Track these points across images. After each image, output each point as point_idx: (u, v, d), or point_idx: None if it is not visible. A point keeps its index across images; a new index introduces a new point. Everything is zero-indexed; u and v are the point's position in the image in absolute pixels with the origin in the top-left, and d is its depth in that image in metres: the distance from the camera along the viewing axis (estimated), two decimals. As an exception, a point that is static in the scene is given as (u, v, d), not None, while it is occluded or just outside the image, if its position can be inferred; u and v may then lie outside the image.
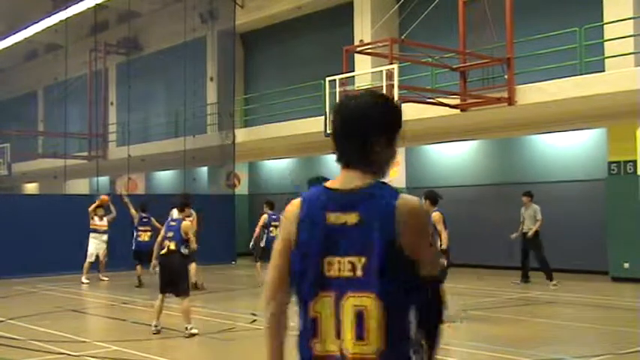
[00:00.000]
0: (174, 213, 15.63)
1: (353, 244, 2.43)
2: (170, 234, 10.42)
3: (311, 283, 2.48)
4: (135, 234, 16.77)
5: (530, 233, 16.27)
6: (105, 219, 18.03)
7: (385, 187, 2.55)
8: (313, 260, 2.48)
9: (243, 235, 26.33)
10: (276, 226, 16.44)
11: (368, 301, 2.39)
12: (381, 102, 2.62)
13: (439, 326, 2.55)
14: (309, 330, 2.48)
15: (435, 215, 10.93)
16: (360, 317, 2.40)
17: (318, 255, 2.47)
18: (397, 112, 2.63)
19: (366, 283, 2.40)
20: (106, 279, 18.08)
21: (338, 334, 2.43)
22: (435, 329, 2.53)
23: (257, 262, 16.56)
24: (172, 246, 10.34)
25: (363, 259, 2.41)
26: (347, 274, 2.43)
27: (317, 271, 2.47)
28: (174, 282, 10.37)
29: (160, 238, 10.65)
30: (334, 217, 2.49)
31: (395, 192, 2.52)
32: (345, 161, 2.59)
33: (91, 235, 17.95)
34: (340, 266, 2.44)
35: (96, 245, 17.98)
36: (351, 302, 2.41)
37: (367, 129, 2.57)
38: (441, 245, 10.91)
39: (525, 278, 16.59)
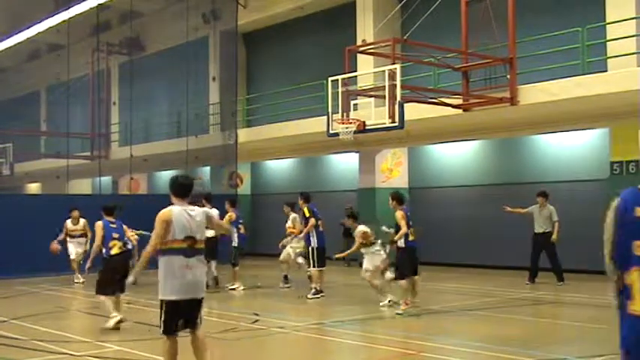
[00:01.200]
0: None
1: None
2: (116, 235, 11.11)
3: (625, 260, 3.31)
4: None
5: (554, 236, 16.22)
6: (80, 224, 17.92)
7: None
8: (626, 243, 3.30)
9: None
10: (243, 224, 16.45)
11: None
12: None
13: None
14: (626, 295, 3.32)
15: (399, 214, 12.34)
16: None
17: (629, 239, 3.30)
18: None
19: None
20: (81, 280, 17.74)
21: None
22: None
23: (235, 267, 16.27)
24: (122, 246, 11.07)
25: None
26: None
27: (629, 251, 3.29)
28: (124, 279, 10.68)
29: (99, 241, 11.09)
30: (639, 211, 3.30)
31: None
32: None
33: (68, 239, 17.94)
34: None
35: (74, 246, 17.91)
36: None
37: None
38: (393, 239, 12.56)
39: (534, 278, 16.52)
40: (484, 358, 8.98)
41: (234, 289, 16.04)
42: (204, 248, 7.05)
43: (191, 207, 7.10)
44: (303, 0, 23.99)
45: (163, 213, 6.90)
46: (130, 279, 7.19)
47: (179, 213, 6.90)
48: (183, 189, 7.11)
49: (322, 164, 26.25)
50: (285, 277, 16.46)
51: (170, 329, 7.00)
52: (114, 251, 10.95)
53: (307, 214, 14.77)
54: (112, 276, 10.91)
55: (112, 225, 11.17)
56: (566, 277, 16.35)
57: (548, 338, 10.32)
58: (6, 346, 9.89)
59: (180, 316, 6.99)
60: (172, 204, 7.04)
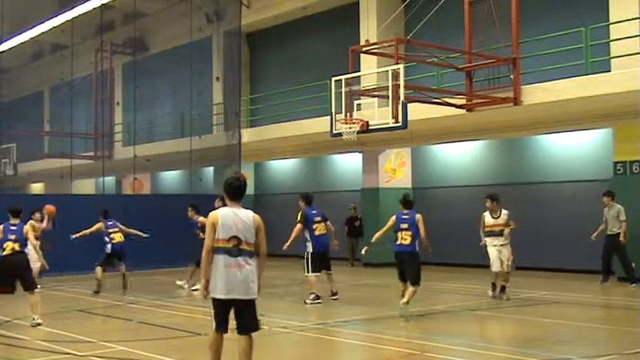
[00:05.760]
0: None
1: None
2: (13, 236, 11.55)
3: None
4: (107, 239, 16.11)
5: (621, 237, 15.85)
6: None
7: None
8: None
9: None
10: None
11: None
12: None
13: None
14: None
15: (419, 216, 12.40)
16: None
17: None
18: None
19: None
20: None
21: None
22: None
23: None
24: (17, 247, 11.52)
25: None
26: None
27: None
28: (22, 278, 11.58)
29: None
30: None
31: None
32: None
33: None
34: None
35: None
36: None
37: None
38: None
39: (608, 278, 16.26)
40: (487, 357, 8.98)
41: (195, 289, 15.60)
42: (252, 250, 7.11)
43: (243, 209, 7.23)
44: (307, 0, 24.00)
45: (210, 215, 7.19)
46: (199, 286, 7.20)
47: (225, 214, 7.12)
48: (234, 191, 7.32)
49: (326, 164, 26.26)
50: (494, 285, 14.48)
51: (216, 326, 7.14)
52: (5, 252, 11.49)
53: (298, 218, 14.15)
54: (3, 273, 11.55)
55: (12, 227, 11.62)
56: (569, 276, 16.34)
57: (551, 338, 10.31)
58: (10, 346, 9.92)
59: (227, 314, 7.14)
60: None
